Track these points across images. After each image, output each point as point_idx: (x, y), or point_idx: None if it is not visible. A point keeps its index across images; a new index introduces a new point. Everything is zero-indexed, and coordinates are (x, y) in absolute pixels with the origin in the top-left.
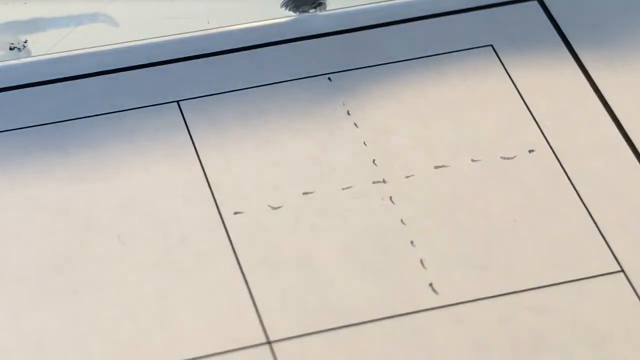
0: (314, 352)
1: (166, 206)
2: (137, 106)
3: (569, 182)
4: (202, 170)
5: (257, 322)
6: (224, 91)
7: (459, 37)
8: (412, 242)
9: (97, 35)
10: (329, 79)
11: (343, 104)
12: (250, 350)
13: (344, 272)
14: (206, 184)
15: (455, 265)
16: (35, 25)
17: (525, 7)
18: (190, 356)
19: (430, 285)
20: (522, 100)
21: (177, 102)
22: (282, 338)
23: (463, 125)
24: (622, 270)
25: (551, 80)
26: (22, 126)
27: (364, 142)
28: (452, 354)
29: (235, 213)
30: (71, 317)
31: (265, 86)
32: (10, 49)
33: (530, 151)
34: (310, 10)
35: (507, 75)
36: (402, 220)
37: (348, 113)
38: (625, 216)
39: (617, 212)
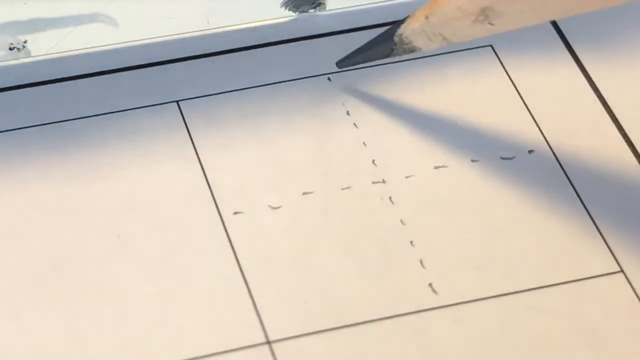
0: (314, 352)
1: (166, 206)
2: (137, 106)
3: (568, 182)
4: (202, 170)
5: (257, 322)
6: (224, 91)
7: None
8: (411, 242)
9: (97, 35)
10: (329, 79)
11: (343, 104)
12: (250, 350)
13: (344, 272)
14: (206, 184)
15: (455, 266)
16: (35, 25)
17: None
18: (190, 356)
19: (430, 285)
20: (521, 100)
21: (177, 102)
22: (281, 338)
23: (463, 126)
24: (622, 271)
25: (551, 80)
26: (22, 126)
27: (364, 142)
28: (452, 354)
29: (235, 213)
30: (71, 317)
31: (265, 86)
32: (10, 49)
33: (530, 151)
34: (310, 10)
35: (507, 76)
36: (401, 221)
37: (348, 113)
38: (625, 216)
39: (616, 213)
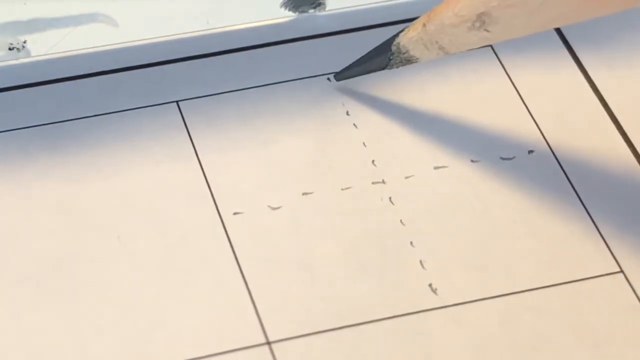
0: (314, 352)
1: (166, 206)
2: (137, 106)
3: (568, 183)
4: (201, 171)
5: (257, 322)
6: (223, 91)
7: None
8: (411, 243)
9: (97, 35)
10: (329, 79)
11: (343, 104)
12: (250, 350)
13: (344, 272)
14: (205, 184)
15: (455, 266)
16: (35, 25)
17: None
18: (190, 356)
19: (430, 285)
20: (521, 101)
21: (177, 102)
22: (281, 338)
23: (463, 126)
24: (622, 271)
25: (551, 80)
26: (22, 126)
27: (364, 143)
28: (452, 354)
29: (235, 213)
30: (71, 317)
31: (265, 86)
32: (10, 49)
33: (529, 152)
34: (310, 10)
35: (506, 76)
36: (401, 221)
37: (347, 113)
38: (625, 217)
39: (616, 213)
